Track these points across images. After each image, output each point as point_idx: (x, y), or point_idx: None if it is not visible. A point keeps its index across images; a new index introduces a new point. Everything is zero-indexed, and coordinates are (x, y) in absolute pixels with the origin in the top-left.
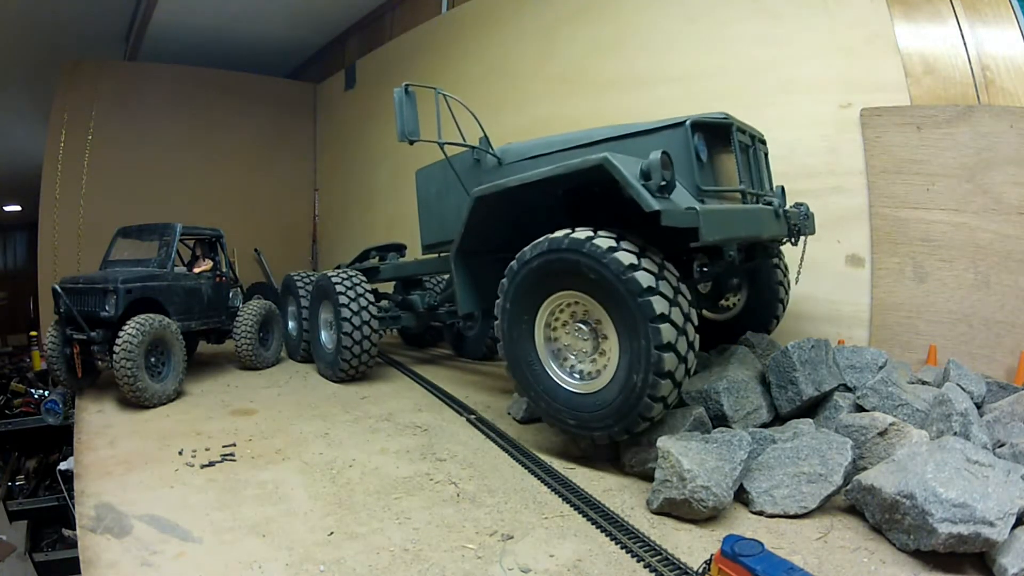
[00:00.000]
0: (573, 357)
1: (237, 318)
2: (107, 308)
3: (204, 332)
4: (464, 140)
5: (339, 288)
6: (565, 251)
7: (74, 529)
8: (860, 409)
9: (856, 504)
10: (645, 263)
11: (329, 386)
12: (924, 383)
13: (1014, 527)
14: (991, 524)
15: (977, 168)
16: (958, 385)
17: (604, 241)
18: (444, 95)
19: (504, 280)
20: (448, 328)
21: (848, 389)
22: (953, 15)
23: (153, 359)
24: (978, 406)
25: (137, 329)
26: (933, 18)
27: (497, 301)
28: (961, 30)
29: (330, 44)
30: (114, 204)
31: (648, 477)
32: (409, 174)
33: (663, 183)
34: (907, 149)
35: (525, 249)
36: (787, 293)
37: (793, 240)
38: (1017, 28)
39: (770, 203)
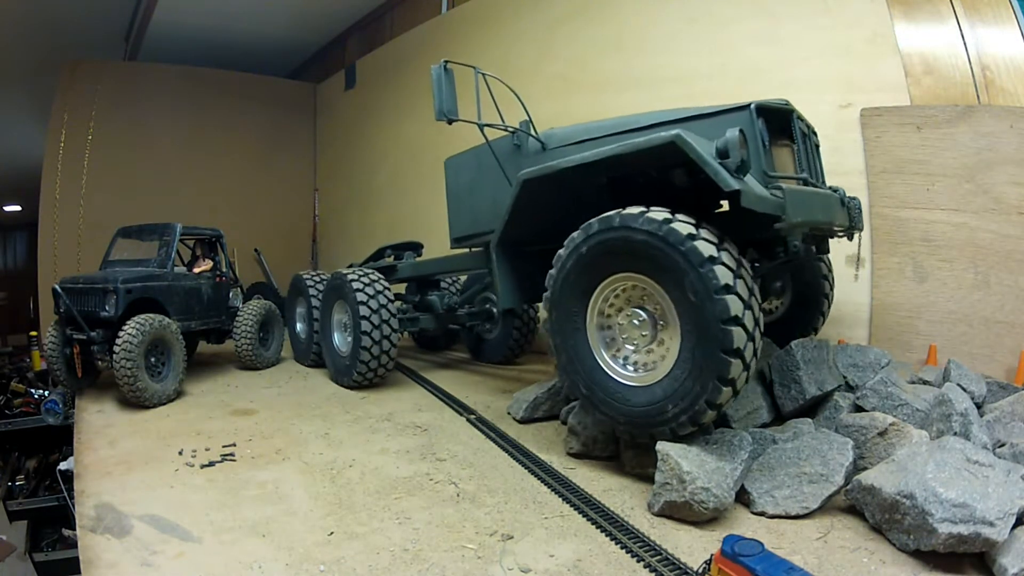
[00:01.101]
0: (623, 340)
1: (237, 318)
2: (107, 308)
3: (204, 332)
4: (504, 123)
5: (356, 287)
6: (663, 239)
7: (74, 529)
8: (860, 409)
9: (856, 504)
10: (747, 312)
11: (329, 386)
12: (924, 383)
13: (1014, 527)
14: (991, 524)
15: (977, 168)
16: (958, 385)
17: (708, 248)
18: (484, 75)
19: (577, 234)
20: (467, 331)
21: (850, 388)
22: (953, 15)
23: (153, 359)
24: (978, 406)
25: (137, 329)
26: (933, 18)
27: (559, 253)
28: (961, 30)
29: (330, 44)
30: (114, 204)
31: (648, 478)
32: (409, 174)
33: (740, 162)
34: (907, 149)
35: (611, 213)
36: (831, 296)
37: (850, 235)
38: (1017, 28)
39: (835, 190)
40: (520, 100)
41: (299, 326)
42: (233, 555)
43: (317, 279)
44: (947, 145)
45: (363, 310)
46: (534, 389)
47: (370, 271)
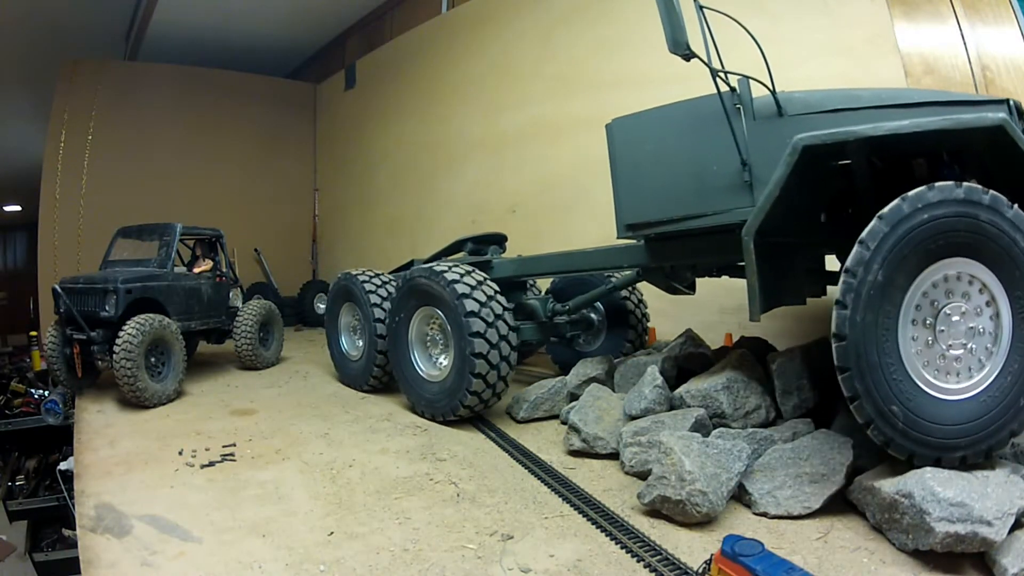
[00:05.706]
0: (943, 343)
1: (237, 318)
2: (107, 308)
3: (204, 332)
4: (725, 74)
5: (462, 292)
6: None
7: (74, 529)
8: None
9: (857, 504)
10: None
11: (329, 386)
12: None
13: (1014, 527)
14: (989, 524)
15: None
16: None
17: None
18: (704, 9)
19: (927, 192)
20: (561, 342)
21: None
22: (953, 15)
23: (153, 359)
24: None
25: (137, 329)
26: (933, 18)
27: (869, 234)
28: (961, 30)
29: (330, 44)
30: (114, 204)
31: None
32: (409, 174)
33: None
34: None
35: (974, 186)
36: None
37: None
38: (1017, 28)
39: None
40: (760, 47)
41: (347, 341)
42: (233, 555)
43: (379, 281)
44: None
45: (474, 323)
46: (534, 389)
47: (470, 268)
